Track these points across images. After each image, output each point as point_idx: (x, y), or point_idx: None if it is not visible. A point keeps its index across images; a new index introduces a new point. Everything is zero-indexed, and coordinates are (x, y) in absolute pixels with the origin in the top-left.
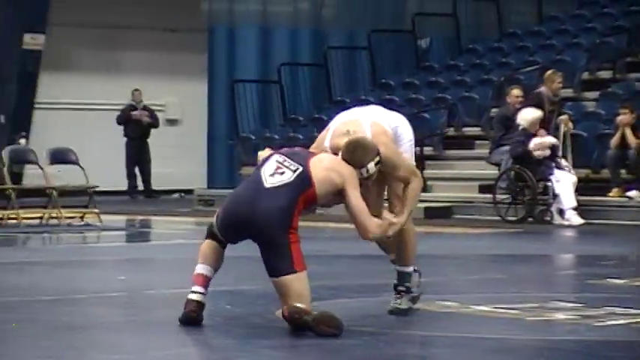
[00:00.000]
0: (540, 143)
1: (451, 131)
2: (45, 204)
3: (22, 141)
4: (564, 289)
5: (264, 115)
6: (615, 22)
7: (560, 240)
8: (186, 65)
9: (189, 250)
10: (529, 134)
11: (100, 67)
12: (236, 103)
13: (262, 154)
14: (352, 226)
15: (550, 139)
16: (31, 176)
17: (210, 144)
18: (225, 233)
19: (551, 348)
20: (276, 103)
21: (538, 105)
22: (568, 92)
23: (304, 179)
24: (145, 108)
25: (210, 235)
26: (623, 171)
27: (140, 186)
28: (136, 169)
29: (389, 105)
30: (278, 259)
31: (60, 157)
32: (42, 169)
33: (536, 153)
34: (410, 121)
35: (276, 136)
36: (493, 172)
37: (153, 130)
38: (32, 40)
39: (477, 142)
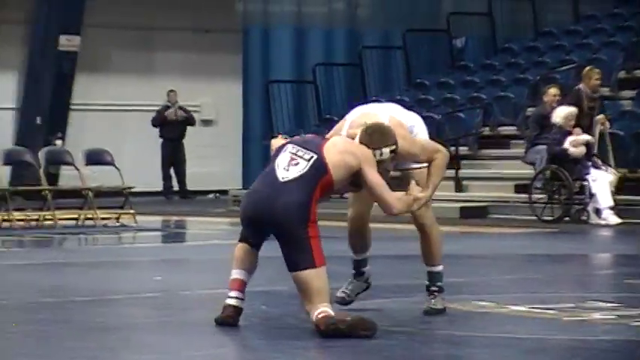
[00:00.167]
0: (575, 140)
1: (486, 131)
2: (81, 205)
3: (58, 142)
4: (601, 288)
5: (299, 115)
6: None
7: (597, 240)
8: (221, 66)
9: (225, 250)
10: (564, 132)
11: (135, 68)
12: (271, 104)
13: (275, 142)
14: (385, 225)
15: (585, 137)
16: (67, 177)
17: (245, 144)
18: (247, 231)
19: (588, 348)
20: (311, 104)
21: (575, 103)
22: (604, 91)
23: (319, 167)
24: (180, 109)
25: (243, 237)
26: None
27: (175, 186)
28: (171, 170)
29: (424, 105)
30: (298, 254)
31: (95, 157)
32: (78, 170)
33: (572, 150)
34: (445, 120)
35: None
36: (529, 171)
37: (188, 131)
38: (68, 42)
39: (513, 141)
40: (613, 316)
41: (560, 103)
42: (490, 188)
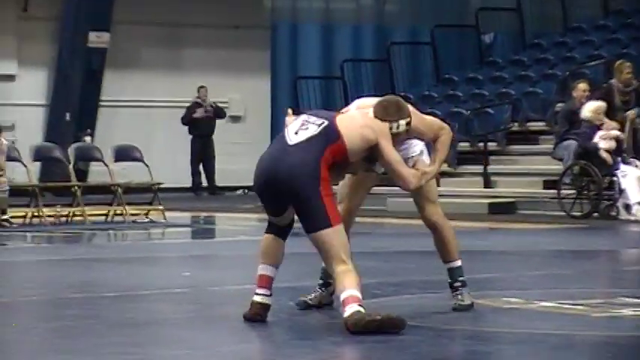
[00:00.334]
0: (605, 134)
1: (515, 126)
2: (110, 201)
3: (87, 138)
4: (631, 284)
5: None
6: None
7: (627, 235)
8: (250, 62)
9: (253, 246)
10: (594, 127)
11: (163, 65)
12: (299, 100)
13: (290, 119)
14: (413, 221)
15: (615, 132)
16: (96, 173)
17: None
18: (262, 201)
19: (617, 344)
20: (339, 100)
21: (605, 97)
22: (635, 85)
23: (330, 133)
24: (211, 105)
25: (269, 226)
26: None
27: (204, 183)
28: (200, 166)
29: (453, 101)
30: (314, 214)
31: (125, 154)
32: (107, 166)
33: (602, 144)
34: (473, 116)
35: None
36: (558, 167)
37: (217, 127)
38: (97, 38)
39: (542, 137)
40: None
41: (589, 99)
42: (519, 184)
